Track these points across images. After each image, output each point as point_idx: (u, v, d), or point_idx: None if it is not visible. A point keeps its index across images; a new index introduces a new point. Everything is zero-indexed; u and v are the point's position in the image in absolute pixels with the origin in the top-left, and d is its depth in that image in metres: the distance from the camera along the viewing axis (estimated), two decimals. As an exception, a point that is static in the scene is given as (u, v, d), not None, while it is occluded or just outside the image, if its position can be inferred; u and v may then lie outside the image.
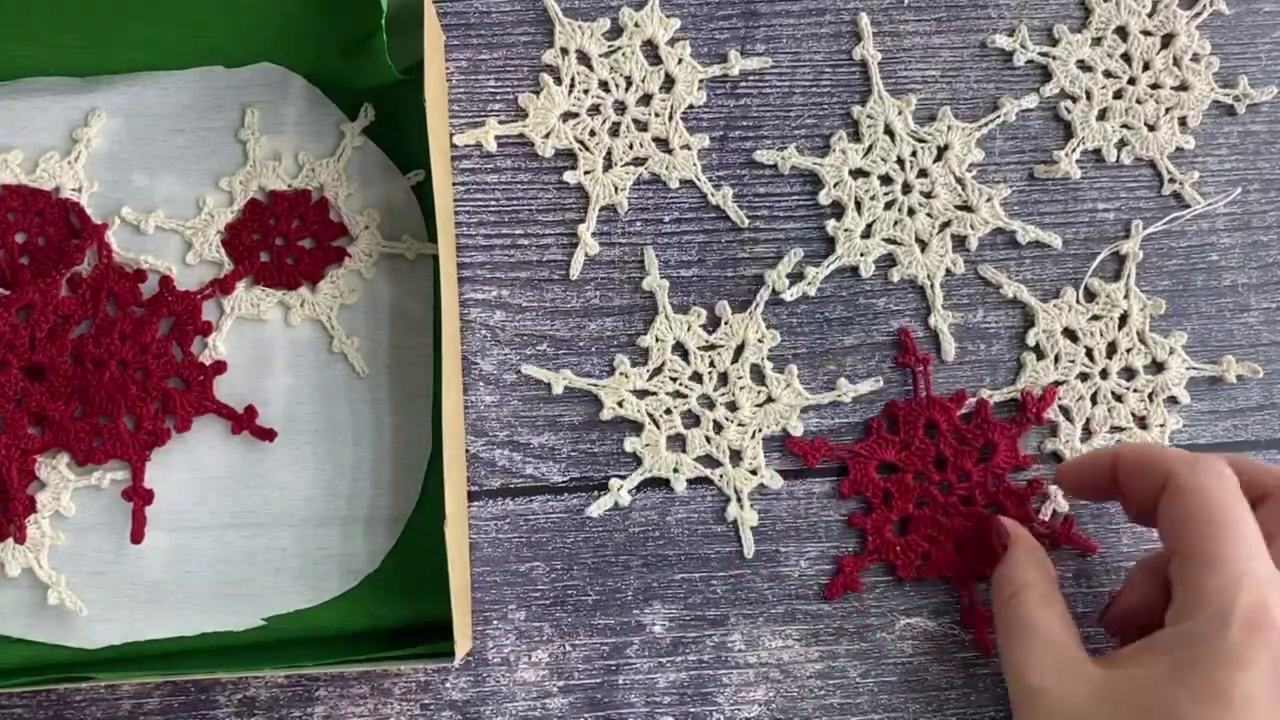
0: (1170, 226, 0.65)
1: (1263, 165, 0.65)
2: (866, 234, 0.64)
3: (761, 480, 0.63)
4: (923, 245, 0.64)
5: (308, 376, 0.63)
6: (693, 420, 0.63)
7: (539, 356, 0.64)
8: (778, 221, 0.64)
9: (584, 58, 0.65)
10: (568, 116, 0.65)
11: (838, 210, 0.64)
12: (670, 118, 0.64)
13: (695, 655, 0.62)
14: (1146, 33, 0.65)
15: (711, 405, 0.63)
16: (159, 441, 0.62)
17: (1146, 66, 0.65)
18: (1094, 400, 0.63)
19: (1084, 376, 0.63)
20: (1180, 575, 0.51)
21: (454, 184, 0.64)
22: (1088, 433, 0.63)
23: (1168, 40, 0.65)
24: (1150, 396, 0.63)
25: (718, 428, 0.63)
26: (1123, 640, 0.57)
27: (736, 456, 0.63)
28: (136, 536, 0.61)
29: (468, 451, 0.63)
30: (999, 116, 0.65)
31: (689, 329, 0.63)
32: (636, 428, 0.63)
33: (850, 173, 0.64)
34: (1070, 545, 0.63)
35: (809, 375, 0.64)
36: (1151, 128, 0.65)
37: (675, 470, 0.63)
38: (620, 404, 0.63)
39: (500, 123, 0.65)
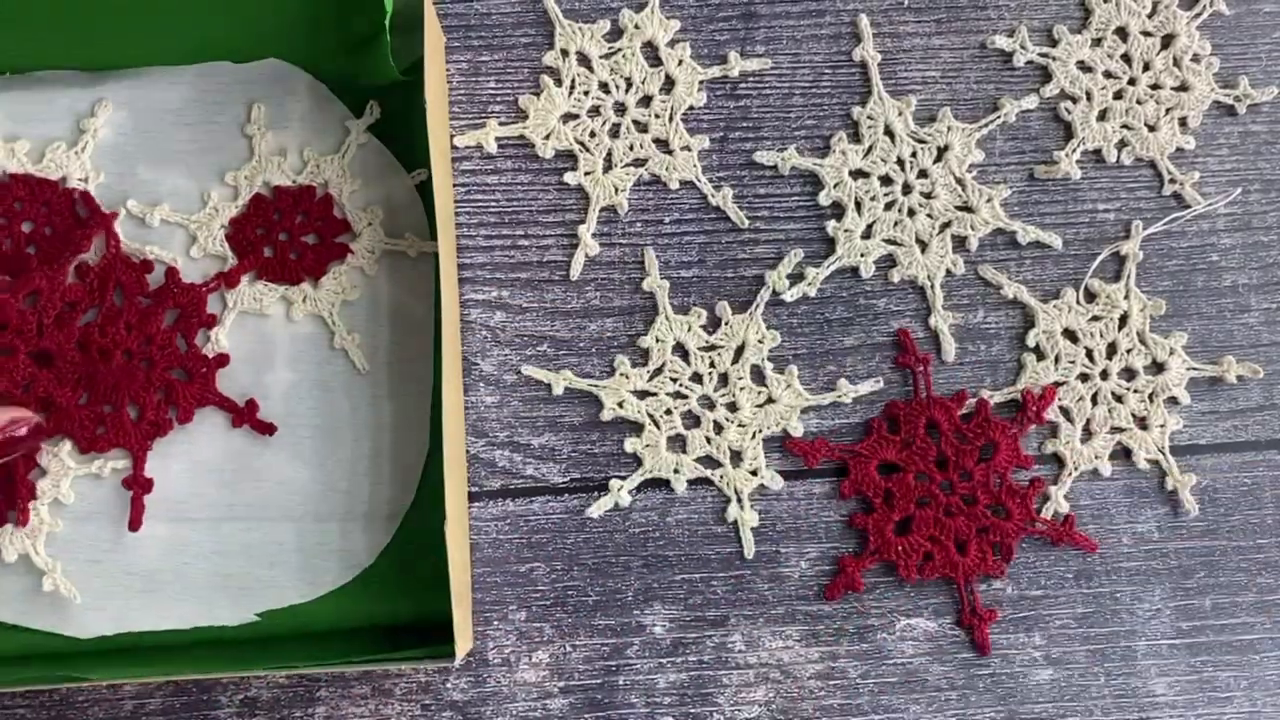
0: (1170, 227, 0.65)
1: (1263, 165, 0.65)
2: (867, 235, 0.64)
3: (762, 481, 0.63)
4: (923, 246, 0.64)
5: (308, 372, 0.63)
6: (693, 421, 0.63)
7: (539, 357, 0.64)
8: (778, 222, 0.65)
9: (584, 59, 0.65)
10: (568, 118, 0.65)
11: (838, 211, 0.64)
12: (670, 119, 0.65)
13: (695, 656, 0.62)
14: (1146, 33, 0.65)
15: (712, 406, 0.63)
16: (161, 431, 0.62)
17: (1147, 67, 0.65)
18: (1094, 401, 0.63)
19: (1084, 377, 0.64)
20: None
21: (455, 185, 0.64)
22: (1088, 433, 0.63)
23: (1168, 41, 0.65)
24: (1150, 397, 0.63)
25: (718, 428, 0.63)
26: None
27: (737, 457, 0.63)
28: (134, 524, 0.61)
29: (468, 452, 0.63)
30: (999, 117, 0.65)
31: (689, 330, 0.64)
32: (637, 428, 0.63)
33: (850, 173, 0.64)
34: (1070, 545, 0.63)
35: (809, 375, 0.64)
36: (1152, 128, 0.65)
37: (675, 471, 0.63)
38: (621, 405, 0.63)
39: (501, 124, 0.65)
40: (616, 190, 0.64)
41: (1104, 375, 0.63)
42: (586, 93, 0.65)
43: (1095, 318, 0.64)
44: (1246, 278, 0.65)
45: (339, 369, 0.63)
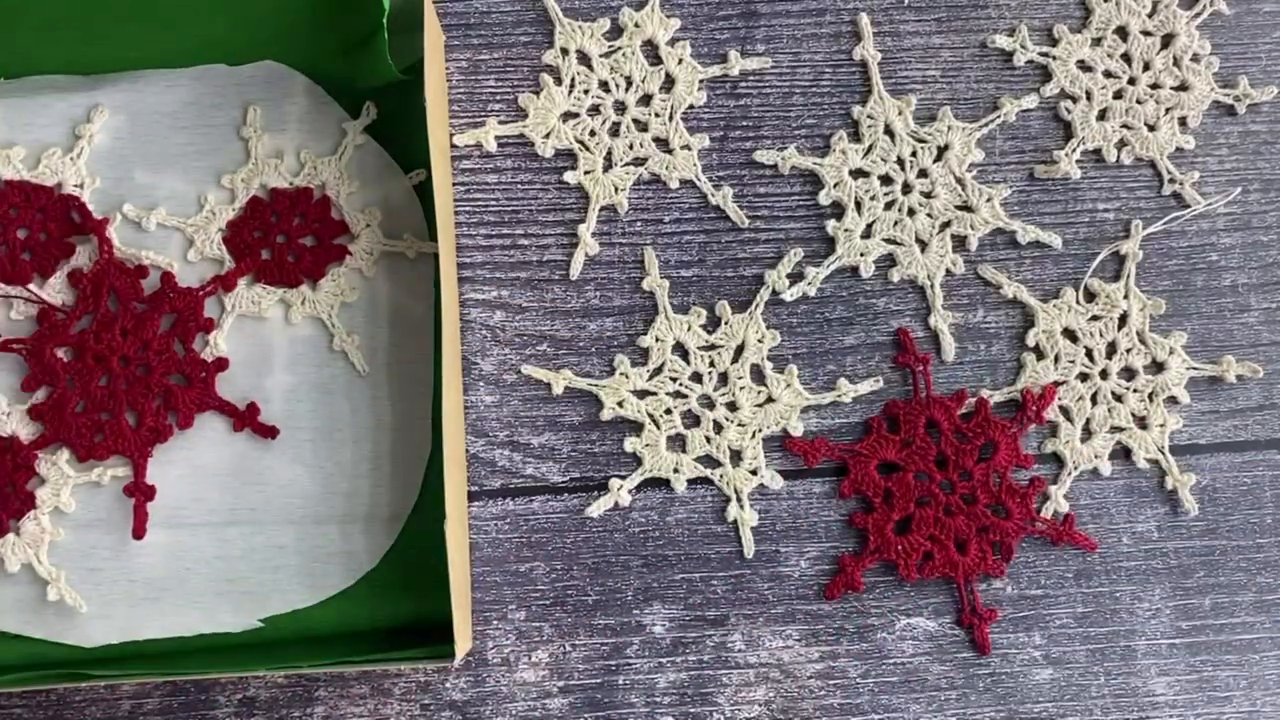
0: (1170, 226, 0.65)
1: (1263, 165, 0.65)
2: (866, 234, 0.64)
3: (761, 480, 0.63)
4: (923, 245, 0.64)
5: (308, 374, 0.63)
6: (693, 420, 0.63)
7: (539, 357, 0.64)
8: (778, 221, 0.64)
9: (584, 58, 0.65)
10: (568, 117, 0.65)
11: (838, 210, 0.64)
12: (670, 118, 0.64)
13: (695, 655, 0.62)
14: (1146, 33, 0.65)
15: (712, 405, 0.63)
16: (161, 438, 0.62)
17: (1146, 66, 0.65)
18: (1094, 400, 0.63)
19: (1084, 376, 0.63)
20: None
21: (454, 184, 0.64)
22: (1088, 433, 0.63)
23: (1168, 40, 0.65)
24: (1150, 396, 0.63)
25: (718, 428, 0.63)
26: None
27: (736, 457, 0.63)
28: (138, 532, 0.61)
29: (468, 451, 0.63)
30: (999, 116, 0.65)
31: (689, 329, 0.63)
32: (636, 428, 0.63)
33: (850, 173, 0.64)
34: (1070, 544, 0.63)
35: (809, 375, 0.64)
36: (1151, 128, 0.65)
37: (675, 470, 0.63)
38: (620, 404, 0.63)
39: (500, 123, 0.65)
40: (616, 189, 0.64)
41: (1104, 375, 0.63)
42: (586, 91, 0.65)
43: (1095, 317, 0.64)
44: (1246, 277, 0.65)
45: (339, 371, 0.63)
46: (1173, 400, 0.64)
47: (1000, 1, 0.66)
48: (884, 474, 0.63)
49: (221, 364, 0.62)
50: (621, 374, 0.63)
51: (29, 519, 0.61)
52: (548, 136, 0.64)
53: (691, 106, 0.65)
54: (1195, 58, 0.65)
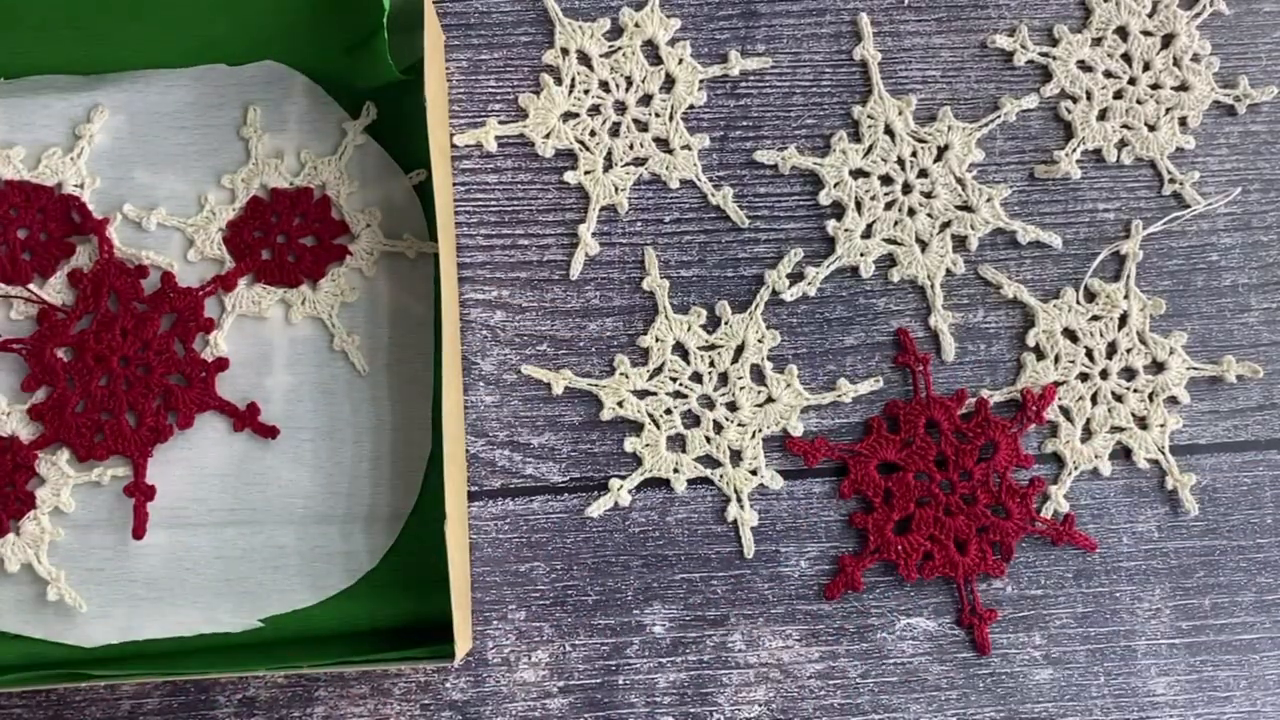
0: (1170, 226, 0.65)
1: (1263, 165, 0.65)
2: (867, 234, 0.64)
3: (761, 480, 0.63)
4: (923, 245, 0.64)
5: (308, 374, 0.63)
6: (693, 420, 0.63)
7: (539, 357, 0.64)
8: (778, 221, 0.64)
9: (584, 58, 0.65)
10: (568, 117, 0.65)
11: (838, 210, 0.64)
12: (670, 118, 0.64)
13: (695, 655, 0.62)
14: (1147, 33, 0.65)
15: (711, 405, 0.63)
16: (161, 438, 0.62)
17: (1147, 67, 0.65)
18: (1094, 400, 0.63)
19: (1084, 377, 0.63)
20: None
21: (454, 184, 0.64)
22: (1088, 433, 0.63)
23: (1168, 40, 0.65)
24: (1150, 396, 0.63)
25: (718, 428, 0.63)
26: None
27: (736, 457, 0.63)
28: (138, 532, 0.61)
29: (468, 451, 0.63)
30: (999, 116, 0.65)
31: (689, 329, 0.63)
32: (636, 428, 0.63)
33: (850, 173, 0.64)
34: (1070, 544, 0.63)
35: (809, 375, 0.64)
36: (1152, 128, 0.65)
37: (675, 470, 0.63)
38: (620, 404, 0.63)
39: (500, 123, 0.65)
40: (616, 189, 0.64)
41: (1104, 375, 0.63)
42: (587, 91, 0.65)
43: (1095, 317, 0.64)
44: (1246, 277, 0.65)
45: (339, 371, 0.63)
46: (1173, 400, 0.64)
47: (1000, 1, 0.66)
48: (884, 474, 0.63)
49: (222, 364, 0.62)
50: (621, 374, 0.63)
51: (29, 519, 0.61)
52: (548, 136, 0.64)
53: (691, 106, 0.65)
54: (1195, 58, 0.65)
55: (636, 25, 0.65)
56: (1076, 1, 0.66)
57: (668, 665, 0.62)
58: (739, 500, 0.63)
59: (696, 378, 0.63)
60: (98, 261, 0.62)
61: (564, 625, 0.62)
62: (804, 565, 0.63)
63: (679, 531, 0.63)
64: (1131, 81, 0.65)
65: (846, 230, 0.64)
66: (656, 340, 0.63)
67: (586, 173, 0.64)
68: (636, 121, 0.65)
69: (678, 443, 0.63)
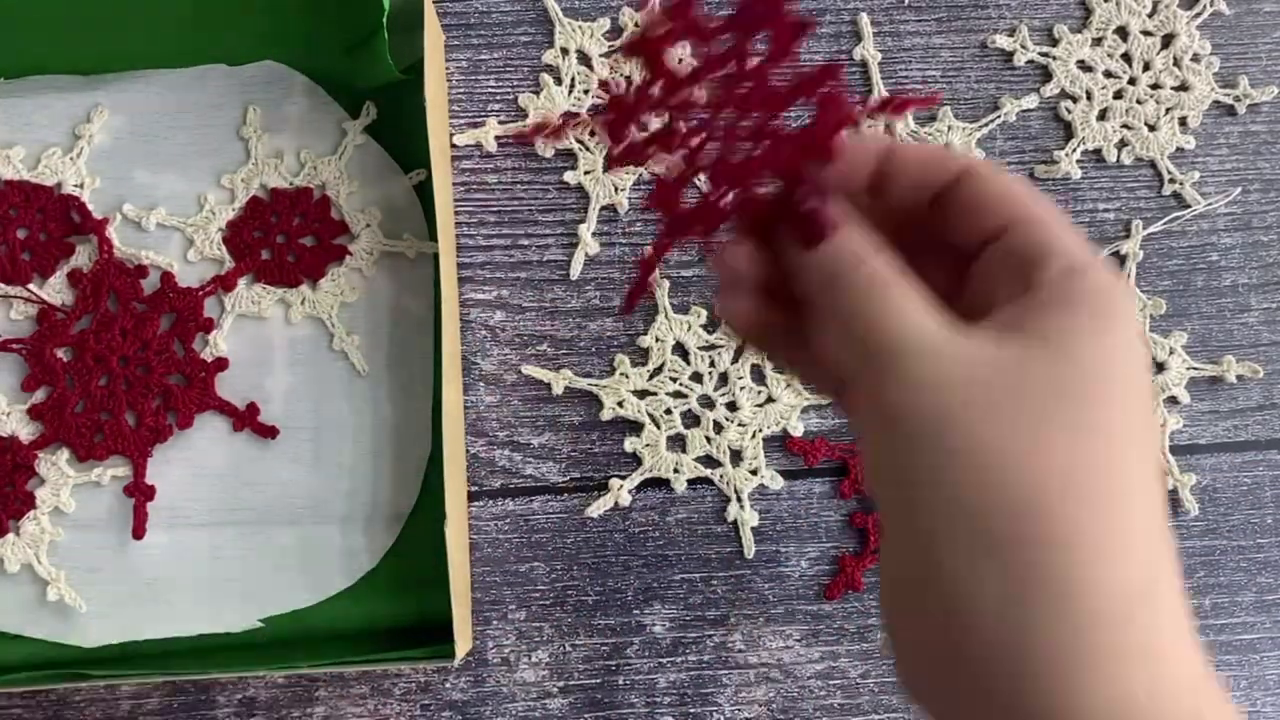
0: (1170, 226, 0.65)
1: (1263, 165, 0.65)
2: (867, 234, 0.64)
3: (762, 480, 0.63)
4: (923, 245, 0.64)
5: (308, 374, 0.63)
6: (693, 420, 0.63)
7: (539, 356, 0.64)
8: (778, 221, 0.64)
9: (584, 58, 0.65)
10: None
11: (838, 210, 0.64)
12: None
13: (695, 655, 0.62)
14: (1147, 33, 0.65)
15: (711, 405, 0.63)
16: (160, 438, 0.62)
17: (1147, 66, 0.65)
18: (1094, 400, 0.63)
19: (1084, 376, 0.63)
20: (1018, 245, 0.39)
21: (454, 184, 0.64)
22: (1088, 433, 0.63)
23: (1168, 40, 0.65)
24: (1150, 396, 0.63)
25: (718, 428, 0.63)
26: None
27: (736, 456, 0.63)
28: (138, 532, 0.61)
29: (468, 451, 0.63)
30: (999, 116, 0.65)
31: (689, 329, 0.63)
32: (636, 428, 0.63)
33: (850, 173, 0.64)
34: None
35: (809, 375, 0.64)
36: (1152, 128, 0.65)
37: (675, 470, 0.63)
38: (620, 404, 0.63)
39: (500, 123, 0.65)
40: (616, 189, 0.64)
41: (1104, 375, 0.63)
42: (586, 91, 0.65)
43: (1095, 317, 0.64)
44: (1246, 278, 0.65)
45: (339, 371, 0.63)
46: (1173, 400, 0.64)
47: (1000, 1, 0.66)
48: (884, 474, 0.63)
49: (221, 364, 0.62)
50: (621, 374, 0.63)
51: (29, 519, 0.61)
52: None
53: (692, 106, 0.65)
54: (1195, 58, 0.65)
55: (636, 25, 0.65)
56: (1076, 1, 0.66)
57: (668, 665, 0.62)
58: (739, 500, 0.63)
59: (696, 378, 0.63)
60: (97, 261, 0.62)
61: (564, 625, 0.62)
62: (804, 565, 0.63)
63: (679, 531, 0.63)
64: (1131, 81, 0.65)
65: (846, 230, 0.64)
66: (656, 340, 0.63)
67: (586, 173, 0.64)
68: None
69: (678, 443, 0.63)
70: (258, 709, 0.61)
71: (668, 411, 0.63)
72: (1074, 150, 0.65)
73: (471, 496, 0.63)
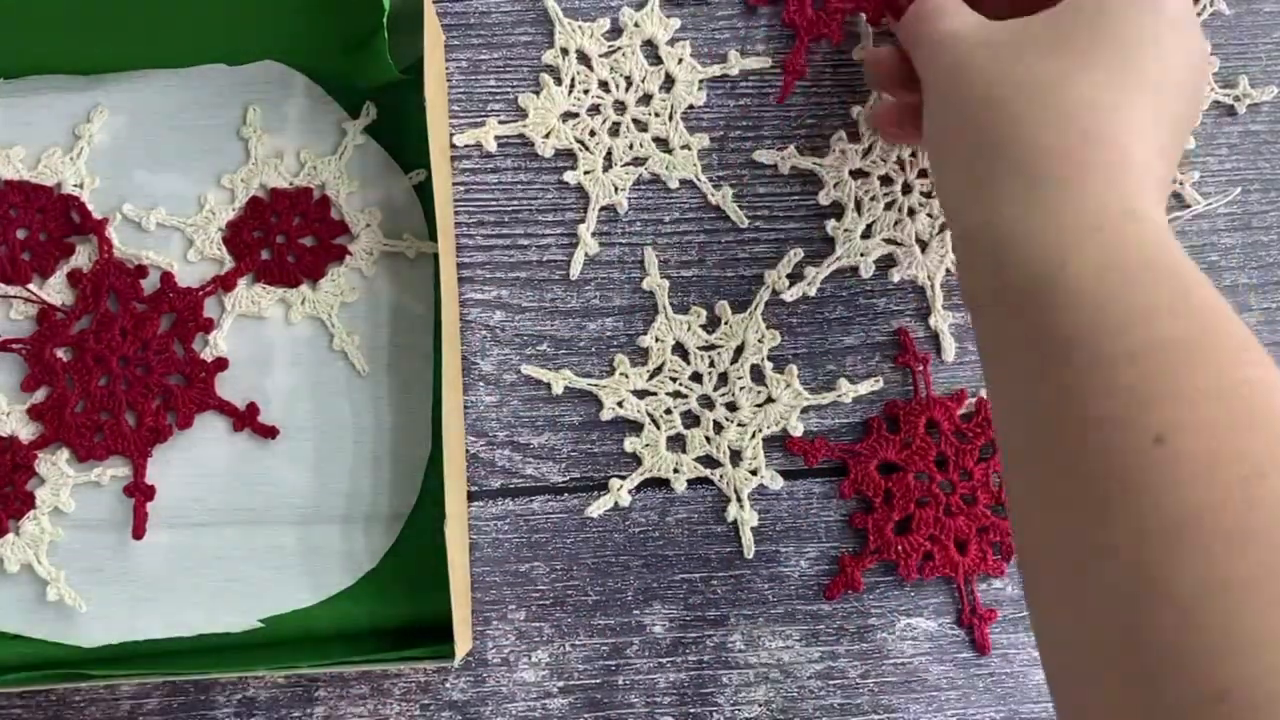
0: (1170, 226, 0.65)
1: (1263, 165, 0.65)
2: (866, 234, 0.64)
3: (761, 480, 0.63)
4: (923, 245, 0.64)
5: (308, 374, 0.63)
6: (693, 420, 0.63)
7: (539, 356, 0.64)
8: (778, 221, 0.64)
9: (584, 58, 0.65)
10: (568, 116, 0.65)
11: (838, 210, 0.64)
12: (670, 118, 0.64)
13: (695, 655, 0.62)
14: (1146, 33, 0.65)
15: (711, 405, 0.63)
16: (160, 438, 0.62)
17: (1146, 66, 0.65)
18: (1094, 400, 0.63)
19: (1084, 376, 0.63)
20: None
21: (454, 184, 0.64)
22: (1088, 433, 0.63)
23: (1167, 40, 0.65)
24: (1150, 396, 0.63)
25: (718, 428, 0.63)
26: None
27: (736, 457, 0.63)
28: (138, 533, 0.61)
29: (468, 451, 0.63)
30: (999, 116, 0.65)
31: (689, 329, 0.63)
32: (636, 428, 0.63)
33: (850, 173, 0.64)
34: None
35: (809, 375, 0.64)
36: (1151, 128, 0.65)
37: (675, 470, 0.63)
38: (620, 404, 0.63)
39: (500, 123, 0.65)
40: (616, 189, 0.64)
41: (1104, 375, 0.63)
42: (586, 91, 0.65)
43: (1095, 317, 0.64)
44: (1246, 278, 0.65)
45: (338, 371, 0.63)
46: (1173, 400, 0.64)
47: (1000, 1, 0.66)
48: (884, 474, 0.63)
49: (221, 364, 0.62)
50: (621, 374, 0.63)
51: (29, 519, 0.61)
52: (548, 136, 0.64)
53: (691, 106, 0.65)
54: (1195, 58, 0.65)
55: (636, 25, 0.65)
56: (1076, 1, 0.66)
57: (668, 665, 0.62)
58: (739, 500, 0.63)
59: (696, 378, 0.63)
60: (97, 261, 0.62)
61: (564, 625, 0.62)
62: (804, 565, 0.63)
63: (679, 531, 0.63)
64: (1132, 81, 0.65)
65: (846, 230, 0.64)
66: (656, 340, 0.63)
67: (586, 172, 0.64)
68: (636, 121, 0.65)
69: (678, 443, 0.63)
70: (258, 709, 0.61)
71: (668, 411, 0.63)
72: (1074, 150, 0.65)
73: (471, 496, 0.63)
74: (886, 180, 0.64)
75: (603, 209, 0.64)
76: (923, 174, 0.64)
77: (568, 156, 0.65)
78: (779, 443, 0.63)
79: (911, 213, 0.64)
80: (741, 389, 0.63)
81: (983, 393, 0.63)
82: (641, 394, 0.63)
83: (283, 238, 0.63)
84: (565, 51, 0.65)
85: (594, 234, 0.64)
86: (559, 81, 0.65)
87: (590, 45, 0.65)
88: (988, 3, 0.55)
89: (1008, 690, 0.62)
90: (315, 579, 0.62)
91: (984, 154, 0.49)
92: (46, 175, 0.63)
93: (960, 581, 0.62)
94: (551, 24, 0.65)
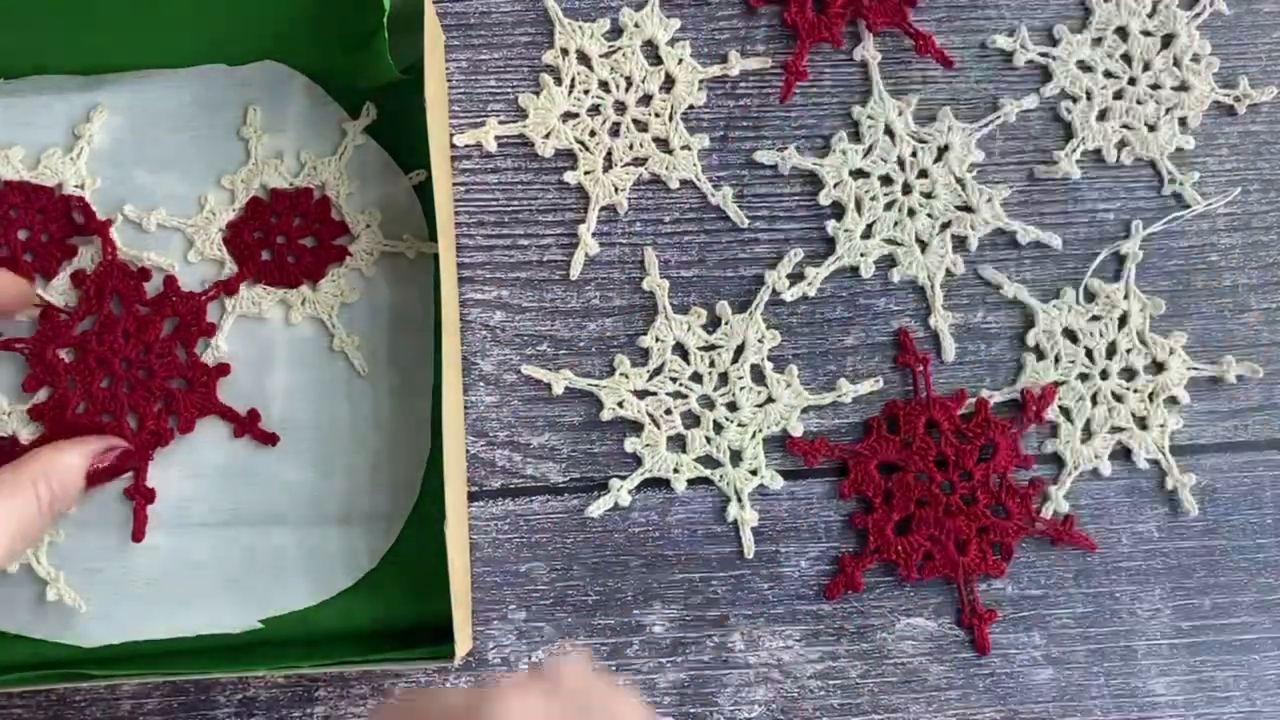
0: (1170, 226, 0.65)
1: (1263, 165, 0.65)
2: (867, 234, 0.64)
3: (761, 480, 0.63)
4: (923, 246, 0.64)
5: (308, 375, 0.63)
6: (693, 420, 0.63)
7: (539, 357, 0.64)
8: (778, 221, 0.64)
9: (584, 58, 0.65)
10: (568, 117, 0.65)
11: (838, 211, 0.64)
12: (670, 118, 0.64)
13: (695, 655, 0.62)
14: (1147, 33, 0.65)
15: (711, 405, 0.63)
16: (162, 441, 0.62)
17: (1147, 67, 0.65)
18: (1094, 401, 0.63)
19: (1084, 377, 0.64)
20: None
21: (454, 184, 0.64)
22: (1088, 433, 0.63)
23: (1168, 40, 0.65)
24: (1150, 397, 0.63)
25: (718, 428, 0.63)
26: None
27: (736, 457, 0.63)
28: (138, 535, 0.61)
29: (468, 451, 0.63)
30: (999, 117, 0.65)
31: (689, 329, 0.63)
32: (636, 428, 0.63)
33: (850, 173, 0.64)
34: (1070, 544, 0.63)
35: (809, 375, 0.64)
36: (1151, 128, 0.65)
37: (675, 470, 0.63)
38: (620, 404, 0.63)
39: (500, 123, 0.65)
40: (616, 189, 0.64)
41: (1104, 375, 0.63)
42: (586, 91, 0.65)
43: (1095, 317, 0.64)
44: (1246, 278, 0.65)
45: (338, 372, 0.63)
46: (1173, 400, 0.64)
47: (1000, 1, 0.66)
48: (884, 474, 0.63)
49: (223, 369, 0.62)
50: (621, 374, 0.63)
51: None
52: (548, 136, 0.64)
53: (691, 106, 0.65)
54: (1195, 58, 0.65)
55: (636, 25, 0.65)
56: (1076, 2, 0.66)
57: (668, 665, 0.62)
58: (739, 500, 0.63)
59: (696, 378, 0.63)
60: (100, 263, 0.62)
61: (564, 625, 0.62)
62: (804, 565, 0.63)
63: (679, 531, 0.63)
64: (1131, 81, 0.65)
65: (846, 230, 0.64)
66: (656, 340, 0.63)
67: (586, 173, 0.64)
68: (636, 122, 0.65)
69: (678, 443, 0.63)
70: (258, 709, 0.61)
71: (668, 412, 0.63)
72: (1074, 150, 0.65)
73: (471, 496, 0.63)
74: (886, 180, 0.64)
75: (603, 209, 0.64)
76: (923, 174, 0.64)
77: (568, 157, 0.65)
78: (779, 443, 0.63)
79: (911, 213, 0.64)
80: (741, 389, 0.63)
81: (983, 392, 0.63)
82: (641, 394, 0.63)
83: (283, 238, 0.63)
84: (565, 52, 0.65)
85: (594, 234, 0.64)
86: (559, 82, 0.65)
87: (590, 45, 0.65)
88: None
89: (1008, 690, 0.62)
90: (315, 580, 0.62)
91: None
92: (46, 176, 0.63)
93: (960, 581, 0.62)
94: (551, 24, 0.65)
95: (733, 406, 0.63)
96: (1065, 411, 0.63)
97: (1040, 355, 0.64)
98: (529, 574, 0.63)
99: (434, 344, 0.62)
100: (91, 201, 0.63)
